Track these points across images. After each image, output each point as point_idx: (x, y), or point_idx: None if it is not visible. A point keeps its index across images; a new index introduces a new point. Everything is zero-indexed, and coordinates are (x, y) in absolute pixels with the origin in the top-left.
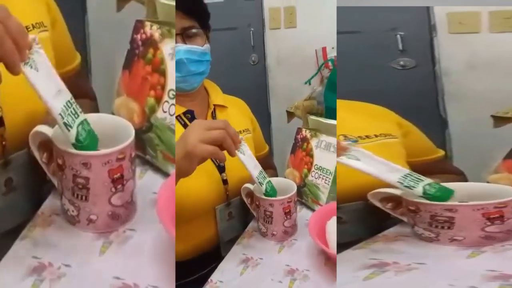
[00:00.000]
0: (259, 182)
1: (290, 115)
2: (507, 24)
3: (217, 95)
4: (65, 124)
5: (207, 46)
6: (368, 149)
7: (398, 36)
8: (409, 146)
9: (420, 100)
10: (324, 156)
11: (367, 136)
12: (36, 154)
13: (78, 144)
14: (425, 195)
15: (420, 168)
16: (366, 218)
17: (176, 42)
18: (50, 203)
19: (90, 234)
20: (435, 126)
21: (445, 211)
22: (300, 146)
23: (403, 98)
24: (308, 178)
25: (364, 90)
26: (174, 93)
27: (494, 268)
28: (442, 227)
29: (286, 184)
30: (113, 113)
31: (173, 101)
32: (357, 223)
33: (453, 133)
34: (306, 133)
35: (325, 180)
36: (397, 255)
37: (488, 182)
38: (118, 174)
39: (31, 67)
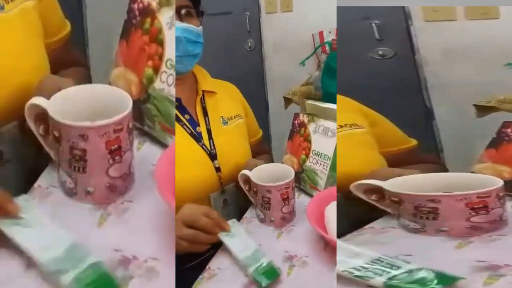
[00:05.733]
0: (245, 264)
1: (288, 101)
2: (482, 10)
3: (205, 80)
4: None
5: (201, 28)
6: None
7: (373, 25)
8: (378, 135)
9: (404, 91)
10: (322, 141)
11: None
12: (33, 127)
13: None
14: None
15: (394, 158)
16: (348, 211)
17: None
18: (47, 175)
19: (88, 206)
20: (421, 117)
21: (428, 202)
22: (297, 131)
23: (386, 89)
24: (306, 163)
25: (345, 82)
26: (172, 63)
27: (482, 259)
28: (427, 218)
29: (284, 170)
30: (110, 85)
31: (171, 71)
32: (339, 216)
33: (440, 124)
34: (303, 118)
35: (323, 165)
36: (384, 248)
37: (472, 172)
38: (116, 146)
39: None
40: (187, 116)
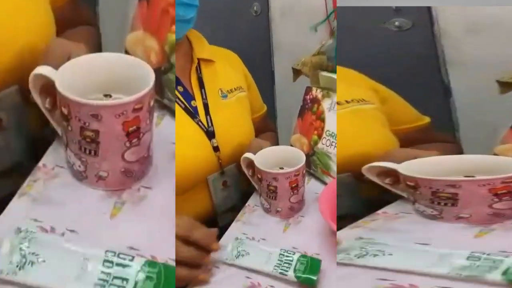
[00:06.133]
0: (280, 272)
1: (297, 72)
2: None
3: (202, 47)
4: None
5: None
6: (340, 117)
7: None
8: (389, 113)
9: (420, 65)
10: None
11: (337, 103)
12: (38, 100)
13: None
14: None
15: (406, 137)
16: (359, 191)
17: None
18: (54, 152)
19: (99, 192)
20: (438, 94)
21: (447, 187)
22: (309, 108)
23: (401, 63)
24: (318, 145)
25: (357, 55)
26: None
27: (504, 249)
28: (445, 204)
29: (293, 153)
30: (126, 51)
31: None
32: (350, 197)
33: (458, 101)
34: (317, 93)
35: None
36: (397, 235)
37: (495, 154)
38: (134, 127)
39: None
40: (180, 88)
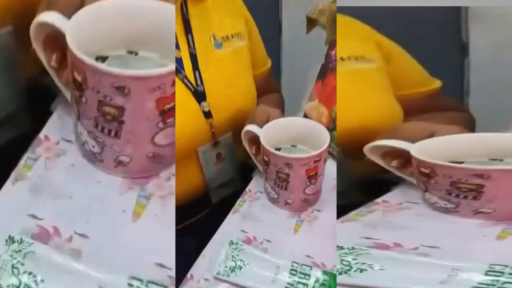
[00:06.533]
0: None
1: (311, 22)
2: None
3: None
4: None
5: None
6: None
7: None
8: (394, 74)
9: (438, 20)
10: None
11: None
12: (41, 55)
13: None
14: None
15: (411, 104)
16: (350, 170)
17: None
18: (58, 121)
19: (117, 179)
20: (452, 52)
21: (472, 177)
22: (334, 68)
23: (416, 17)
24: None
25: (370, 7)
26: None
27: None
28: (465, 197)
29: (312, 128)
30: None
31: None
32: (339, 178)
33: (474, 62)
34: None
35: None
36: (399, 233)
37: None
38: (171, 104)
39: None
40: None
